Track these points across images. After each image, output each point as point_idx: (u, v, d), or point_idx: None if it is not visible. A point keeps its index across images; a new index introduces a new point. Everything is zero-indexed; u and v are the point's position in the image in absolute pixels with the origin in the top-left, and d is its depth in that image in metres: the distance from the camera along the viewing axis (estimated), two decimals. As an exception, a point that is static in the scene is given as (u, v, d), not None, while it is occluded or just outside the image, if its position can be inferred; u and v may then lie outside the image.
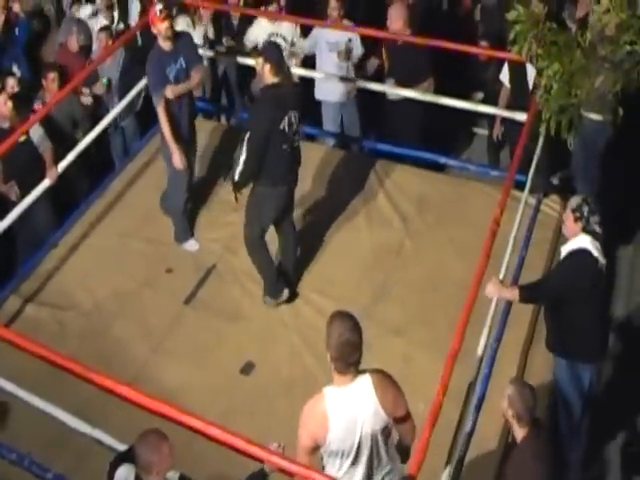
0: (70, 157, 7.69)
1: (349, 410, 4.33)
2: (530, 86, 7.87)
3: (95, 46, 9.17)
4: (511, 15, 5.80)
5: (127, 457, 4.62)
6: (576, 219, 5.68)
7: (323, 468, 4.59)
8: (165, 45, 7.22)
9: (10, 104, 7.57)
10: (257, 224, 6.96)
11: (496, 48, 8.21)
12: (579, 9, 8.35)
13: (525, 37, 5.72)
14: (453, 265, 7.33)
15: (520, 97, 7.97)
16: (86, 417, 5.74)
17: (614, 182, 7.55)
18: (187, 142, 7.52)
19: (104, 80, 8.76)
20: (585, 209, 5.66)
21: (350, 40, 8.79)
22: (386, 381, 4.42)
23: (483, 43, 8.66)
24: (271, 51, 6.71)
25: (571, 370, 5.95)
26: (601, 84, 5.73)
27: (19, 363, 6.01)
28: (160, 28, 7.12)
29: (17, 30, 9.39)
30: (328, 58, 8.90)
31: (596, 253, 5.67)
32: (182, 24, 8.87)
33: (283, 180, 6.78)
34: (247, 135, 6.49)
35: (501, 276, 6.06)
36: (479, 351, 5.63)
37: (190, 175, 7.65)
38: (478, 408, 5.66)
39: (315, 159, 8.63)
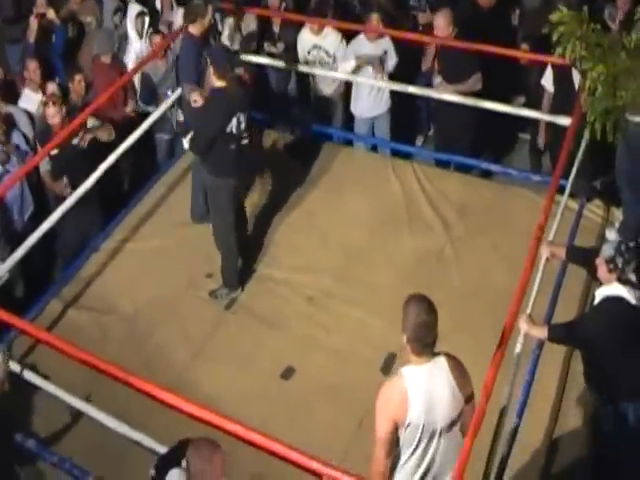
0: (113, 157, 7.67)
1: (428, 387, 4.41)
2: (576, 90, 7.78)
3: (133, 52, 9.24)
4: (555, 16, 5.74)
5: (171, 460, 4.60)
6: (610, 270, 5.40)
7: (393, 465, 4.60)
8: None
9: (57, 119, 7.63)
10: (221, 214, 7.17)
11: (538, 52, 8.13)
12: (619, 11, 8.27)
13: (569, 39, 5.66)
14: (495, 271, 7.26)
15: (565, 102, 7.85)
16: (126, 420, 5.74)
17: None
18: None
19: None
20: (619, 260, 5.35)
21: (385, 52, 8.76)
22: (460, 363, 4.57)
23: (524, 46, 8.57)
24: (215, 54, 6.94)
25: (614, 408, 5.69)
26: (646, 86, 5.66)
27: (60, 366, 6.05)
28: None
29: (53, 37, 9.41)
30: (365, 72, 8.84)
31: (634, 301, 5.40)
32: (227, 29, 8.88)
33: (231, 174, 7.03)
34: (190, 134, 6.89)
35: (537, 281, 6.03)
36: (520, 357, 5.57)
37: None
38: (520, 414, 5.60)
39: (356, 164, 8.68)
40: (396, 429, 4.43)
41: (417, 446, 4.49)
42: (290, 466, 4.65)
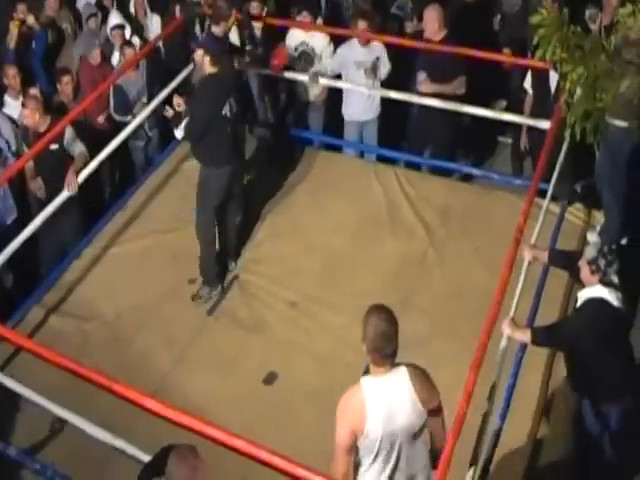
0: (93, 165, 7.67)
1: (387, 398, 4.34)
2: (552, 93, 7.81)
3: (115, 60, 9.22)
4: (535, 19, 5.74)
5: (154, 469, 4.57)
6: (592, 272, 5.42)
7: (356, 470, 4.55)
8: None
9: (31, 120, 7.57)
10: (205, 206, 7.28)
11: (519, 56, 8.15)
12: (605, 16, 8.29)
13: (549, 41, 5.66)
14: (477, 275, 7.27)
15: (543, 105, 7.90)
16: (108, 427, 5.71)
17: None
18: None
19: None
20: (602, 262, 5.37)
21: (378, 58, 8.75)
22: (422, 373, 4.50)
23: (506, 51, 8.59)
24: (210, 43, 7.35)
25: (597, 409, 5.75)
26: (626, 89, 5.67)
27: (42, 373, 6.01)
28: None
29: (34, 43, 9.39)
30: (356, 77, 8.80)
31: (616, 303, 5.42)
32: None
33: (227, 161, 7.21)
34: (186, 120, 7.03)
35: (520, 284, 6.04)
36: (503, 359, 5.56)
37: None
38: (503, 417, 5.60)
39: (339, 169, 8.67)
40: (355, 437, 4.38)
41: (377, 455, 4.44)
42: (275, 471, 4.63)
